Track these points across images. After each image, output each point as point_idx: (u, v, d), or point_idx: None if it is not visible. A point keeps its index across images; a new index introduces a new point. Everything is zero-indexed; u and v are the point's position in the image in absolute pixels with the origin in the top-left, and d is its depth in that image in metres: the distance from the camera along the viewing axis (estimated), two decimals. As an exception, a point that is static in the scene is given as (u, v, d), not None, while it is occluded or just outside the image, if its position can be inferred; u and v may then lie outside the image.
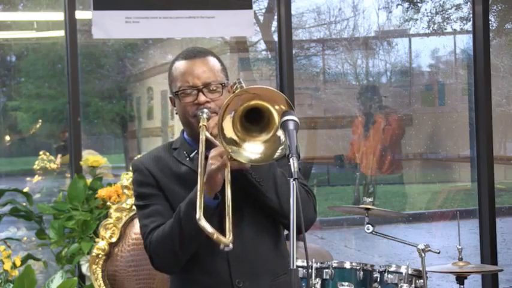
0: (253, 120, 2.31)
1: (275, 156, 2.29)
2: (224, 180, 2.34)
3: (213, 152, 2.35)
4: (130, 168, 2.65)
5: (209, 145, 2.40)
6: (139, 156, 2.74)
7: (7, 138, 6.62)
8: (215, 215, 2.35)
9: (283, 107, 2.26)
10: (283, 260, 2.59)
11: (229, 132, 2.27)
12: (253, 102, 2.27)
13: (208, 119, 2.44)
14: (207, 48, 2.66)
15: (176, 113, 2.59)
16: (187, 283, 2.53)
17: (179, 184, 2.50)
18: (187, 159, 2.54)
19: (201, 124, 2.42)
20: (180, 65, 2.54)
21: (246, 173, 2.40)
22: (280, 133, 2.28)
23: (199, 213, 2.17)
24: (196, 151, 2.52)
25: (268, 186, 2.43)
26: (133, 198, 2.64)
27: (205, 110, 2.45)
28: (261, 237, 2.52)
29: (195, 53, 2.56)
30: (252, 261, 2.49)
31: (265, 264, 2.52)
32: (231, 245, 2.17)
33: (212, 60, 2.55)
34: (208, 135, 2.41)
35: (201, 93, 2.48)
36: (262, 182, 2.42)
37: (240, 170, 2.37)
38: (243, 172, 2.40)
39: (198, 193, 2.23)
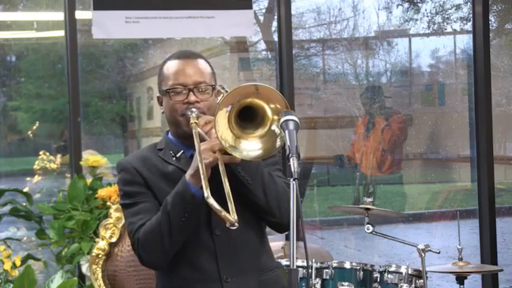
0: (247, 118, 2.34)
1: (277, 147, 2.33)
2: (214, 172, 2.38)
3: (204, 146, 2.39)
4: (116, 168, 2.65)
5: (202, 140, 2.44)
6: (124, 157, 2.76)
7: (7, 138, 6.63)
8: (203, 205, 2.36)
9: (278, 106, 2.29)
10: (268, 256, 2.64)
11: (224, 129, 2.29)
12: (249, 100, 2.30)
13: (197, 118, 2.48)
14: (198, 52, 2.71)
15: (162, 113, 2.62)
16: (175, 280, 2.54)
17: (167, 183, 2.52)
18: (174, 158, 2.57)
19: (192, 122, 2.47)
20: (173, 64, 2.58)
21: (235, 170, 2.44)
22: (274, 127, 2.32)
23: (206, 193, 2.25)
24: (182, 151, 2.57)
25: (257, 185, 2.47)
26: (120, 198, 2.64)
27: (194, 110, 2.50)
28: (248, 233, 2.54)
29: (187, 54, 2.62)
30: (239, 257, 2.52)
31: (252, 260, 2.55)
32: (236, 224, 2.23)
33: (203, 63, 2.60)
34: (200, 130, 2.44)
35: (191, 93, 2.53)
36: (250, 180, 2.46)
37: (231, 163, 2.41)
38: (232, 168, 2.43)
39: (202, 176, 2.28)
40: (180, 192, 2.40)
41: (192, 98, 2.52)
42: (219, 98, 2.49)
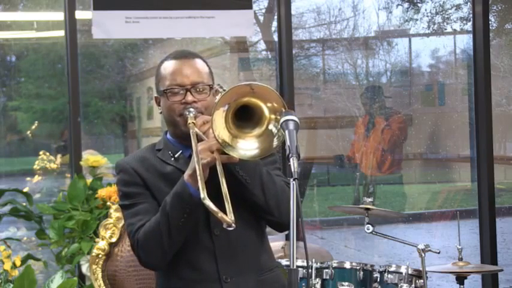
0: (244, 118, 2.33)
1: (273, 146, 2.32)
2: (213, 173, 2.37)
3: (201, 146, 2.38)
4: (115, 169, 2.65)
5: (200, 140, 2.44)
6: (123, 157, 2.75)
7: (7, 138, 6.63)
8: (202, 206, 2.35)
9: (275, 105, 2.29)
10: (268, 256, 2.63)
11: (222, 128, 2.29)
12: (245, 99, 2.29)
13: (195, 118, 2.48)
14: (195, 52, 2.70)
15: (160, 113, 2.62)
16: (175, 280, 2.54)
17: (165, 183, 2.52)
18: (172, 159, 2.57)
19: (189, 122, 2.46)
20: (170, 64, 2.58)
21: (233, 170, 2.43)
22: (272, 126, 2.31)
23: (203, 194, 2.23)
24: (181, 151, 2.57)
25: (255, 184, 2.46)
26: (119, 199, 2.64)
27: (192, 110, 2.50)
28: (247, 233, 2.54)
29: (184, 54, 2.61)
30: (239, 257, 2.52)
31: (251, 260, 2.55)
32: (233, 225, 2.21)
33: (200, 63, 2.60)
34: (197, 130, 2.44)
35: (188, 93, 2.52)
36: (249, 180, 2.45)
37: (229, 163, 2.40)
38: (231, 168, 2.42)
39: (199, 177, 2.28)
40: (178, 193, 2.40)
41: (190, 98, 2.51)
42: (217, 97, 2.49)
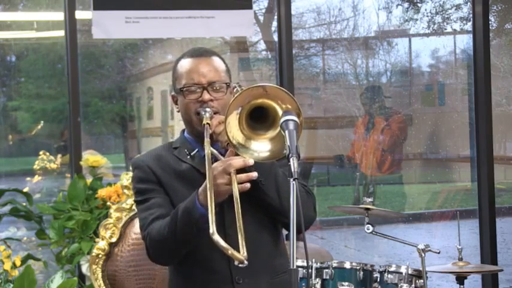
0: (259, 119, 2.32)
1: (285, 151, 2.27)
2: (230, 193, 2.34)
3: (218, 168, 2.34)
4: (130, 166, 2.65)
5: (213, 144, 2.43)
6: (138, 155, 2.75)
7: (7, 138, 6.63)
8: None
9: (289, 106, 2.26)
10: (282, 259, 2.61)
11: (235, 130, 2.28)
12: (260, 101, 2.28)
13: (210, 118, 2.46)
14: (212, 50, 2.69)
15: (178, 111, 2.61)
16: (187, 280, 2.54)
17: (180, 181, 2.52)
18: (188, 157, 2.56)
19: (204, 122, 2.45)
20: (186, 62, 2.56)
21: (248, 171, 2.39)
22: None
23: (212, 228, 2.18)
24: (197, 149, 2.56)
25: (270, 185, 2.45)
26: (133, 196, 2.64)
27: (208, 109, 2.48)
28: (261, 235, 2.53)
29: (201, 52, 2.60)
30: (252, 258, 2.48)
31: (265, 261, 2.54)
32: (245, 262, 2.17)
33: (217, 61, 2.58)
34: (212, 132, 2.42)
35: (205, 91, 2.51)
36: (264, 181, 2.44)
37: (245, 181, 2.36)
38: (246, 169, 2.39)
39: (209, 208, 2.23)
40: (189, 210, 2.37)
41: (206, 96, 2.50)
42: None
